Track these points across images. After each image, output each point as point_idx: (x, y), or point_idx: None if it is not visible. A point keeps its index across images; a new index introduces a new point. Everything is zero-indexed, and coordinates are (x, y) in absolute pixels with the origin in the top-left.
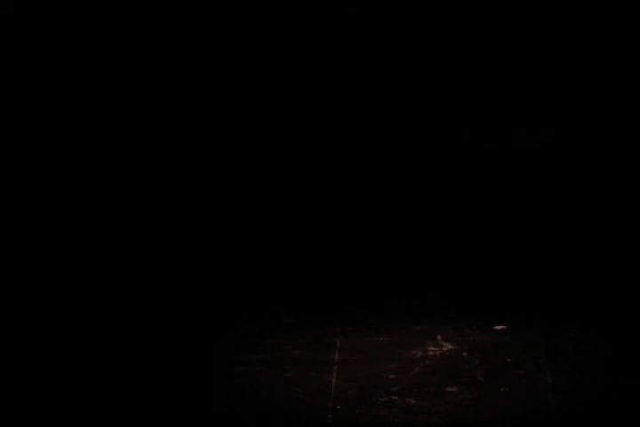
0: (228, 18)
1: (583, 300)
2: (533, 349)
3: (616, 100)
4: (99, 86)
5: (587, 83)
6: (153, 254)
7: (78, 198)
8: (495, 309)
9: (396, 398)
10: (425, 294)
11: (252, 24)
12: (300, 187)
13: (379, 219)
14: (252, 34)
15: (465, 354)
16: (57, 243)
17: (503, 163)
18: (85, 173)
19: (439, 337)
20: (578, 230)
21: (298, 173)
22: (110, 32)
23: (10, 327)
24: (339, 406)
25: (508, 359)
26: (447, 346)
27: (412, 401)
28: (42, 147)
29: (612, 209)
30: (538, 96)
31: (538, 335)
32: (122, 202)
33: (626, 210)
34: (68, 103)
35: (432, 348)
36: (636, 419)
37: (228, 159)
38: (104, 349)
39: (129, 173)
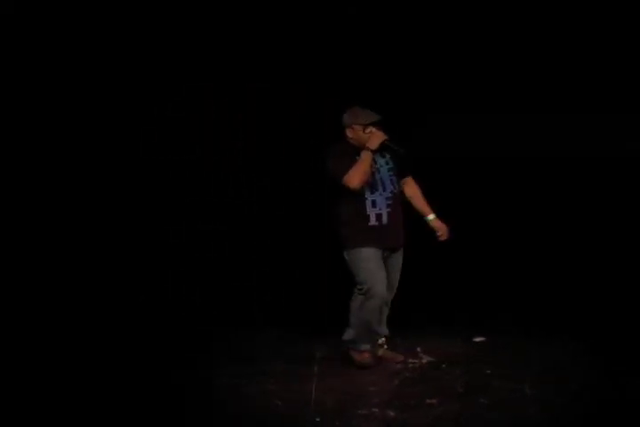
0: (228, 17)
1: (564, 312)
2: (513, 360)
3: None
4: (98, 83)
5: None
6: (132, 268)
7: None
8: (474, 322)
9: (376, 410)
10: (405, 307)
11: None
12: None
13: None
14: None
15: (445, 366)
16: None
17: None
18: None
19: (419, 349)
20: (561, 239)
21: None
22: (109, 31)
23: None
24: (318, 419)
25: (488, 371)
26: (427, 358)
27: (392, 413)
28: (35, 139)
29: (592, 218)
30: None
31: (517, 347)
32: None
33: (609, 219)
34: (66, 99)
35: (412, 360)
36: None
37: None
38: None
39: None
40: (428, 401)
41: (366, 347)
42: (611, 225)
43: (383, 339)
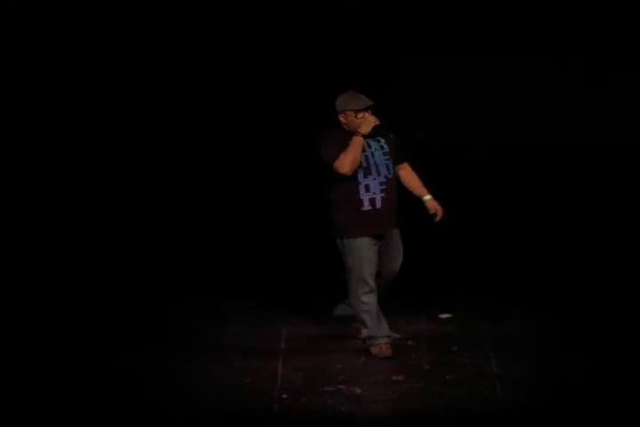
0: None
1: (526, 288)
2: (479, 337)
3: None
4: (97, 80)
5: None
6: (102, 247)
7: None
8: (440, 298)
9: (343, 387)
10: None
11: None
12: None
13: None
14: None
15: (411, 343)
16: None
17: None
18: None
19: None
20: (519, 221)
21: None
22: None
23: None
24: (285, 395)
25: (454, 348)
26: (393, 335)
27: (358, 390)
28: (34, 133)
29: (548, 198)
30: None
31: (483, 324)
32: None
33: (560, 200)
34: (65, 95)
35: None
36: (583, 404)
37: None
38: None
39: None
40: (394, 378)
41: (382, 340)
42: (590, 207)
43: None
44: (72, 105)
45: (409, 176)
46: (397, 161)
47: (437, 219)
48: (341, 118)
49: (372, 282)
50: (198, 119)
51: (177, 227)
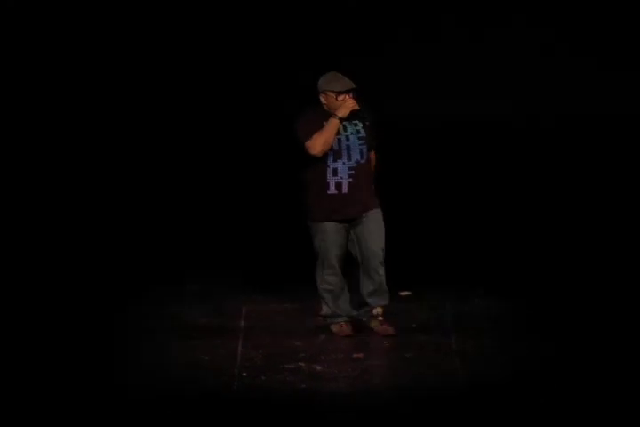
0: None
1: (490, 267)
2: (439, 314)
3: None
4: (97, 80)
5: None
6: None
7: None
8: (400, 275)
9: (303, 364)
10: None
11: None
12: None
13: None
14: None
15: (356, 312)
16: None
17: None
18: None
19: None
20: (480, 203)
21: None
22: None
23: None
24: (245, 373)
25: (414, 325)
26: (353, 313)
27: (319, 368)
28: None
29: (506, 180)
30: None
31: (444, 301)
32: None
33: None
34: (65, 95)
35: None
36: (541, 382)
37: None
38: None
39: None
40: (354, 355)
41: (341, 319)
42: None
43: (378, 310)
44: (72, 105)
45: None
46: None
47: None
48: (322, 98)
49: (336, 264)
50: (184, 105)
51: (139, 207)
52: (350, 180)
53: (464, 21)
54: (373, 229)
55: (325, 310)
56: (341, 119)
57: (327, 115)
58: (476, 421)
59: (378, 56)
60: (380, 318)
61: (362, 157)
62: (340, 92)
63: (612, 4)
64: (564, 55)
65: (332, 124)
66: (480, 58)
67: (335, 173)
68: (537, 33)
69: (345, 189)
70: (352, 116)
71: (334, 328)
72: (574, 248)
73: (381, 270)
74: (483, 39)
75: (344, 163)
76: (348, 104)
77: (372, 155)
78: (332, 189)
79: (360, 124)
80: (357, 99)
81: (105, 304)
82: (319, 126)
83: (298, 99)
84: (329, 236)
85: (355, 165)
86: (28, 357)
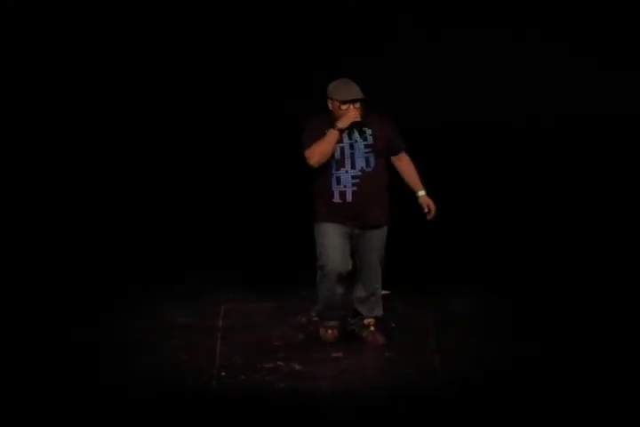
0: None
1: (474, 266)
2: (419, 314)
3: None
4: (97, 79)
5: None
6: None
7: None
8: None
9: (282, 364)
10: (310, 261)
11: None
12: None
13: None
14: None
15: (350, 320)
16: None
17: None
18: None
19: None
20: (479, 202)
21: None
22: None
23: None
24: (224, 373)
25: (393, 324)
26: (370, 322)
27: (298, 367)
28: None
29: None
30: None
31: (423, 300)
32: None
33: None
34: (65, 95)
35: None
36: (521, 382)
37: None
38: None
39: None
40: (333, 355)
41: (330, 323)
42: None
43: (370, 320)
44: (72, 105)
45: (404, 168)
46: (393, 151)
47: (429, 217)
48: (329, 104)
49: (334, 268)
50: (187, 108)
51: (127, 208)
52: (354, 188)
53: (464, 22)
54: (375, 243)
55: (317, 308)
56: (341, 130)
57: (332, 121)
58: (456, 420)
59: (378, 56)
60: (372, 329)
61: (367, 165)
62: (343, 102)
63: (611, 4)
64: (564, 55)
65: (331, 136)
66: (480, 58)
67: (338, 181)
68: (537, 33)
69: (349, 198)
70: (353, 126)
71: (321, 331)
72: (572, 248)
73: (377, 282)
74: (483, 39)
75: (347, 171)
76: (349, 115)
77: (404, 156)
78: (337, 198)
79: (369, 131)
80: (364, 109)
81: (85, 304)
82: (323, 134)
83: (298, 99)
84: (330, 238)
85: (359, 173)
86: (11, 357)
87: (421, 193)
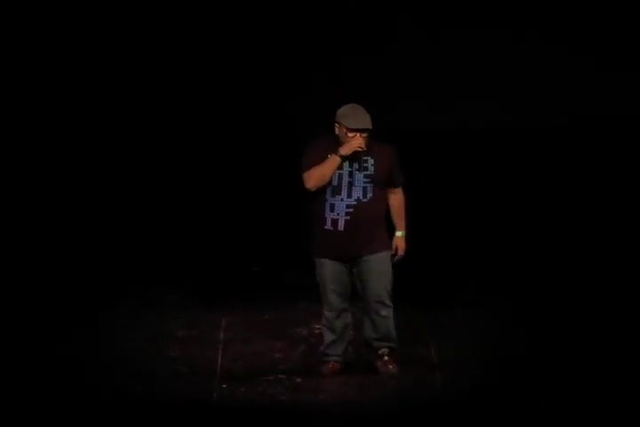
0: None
1: (473, 274)
2: (418, 327)
3: None
4: (97, 79)
5: None
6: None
7: None
8: None
9: (283, 376)
10: (309, 273)
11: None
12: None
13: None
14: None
15: (350, 332)
16: None
17: None
18: None
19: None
20: (479, 203)
21: None
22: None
23: None
24: (225, 385)
25: None
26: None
27: (299, 380)
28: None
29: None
30: None
31: (422, 313)
32: None
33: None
34: (65, 95)
35: (317, 326)
36: (522, 394)
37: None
38: None
39: None
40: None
41: (331, 358)
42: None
43: (384, 350)
44: (72, 105)
45: (395, 204)
46: (390, 184)
47: (395, 258)
48: (335, 128)
49: (334, 301)
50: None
51: (122, 216)
52: (348, 218)
53: (464, 22)
54: (374, 269)
55: (323, 345)
56: (343, 157)
57: (335, 144)
58: None
59: (378, 56)
60: (386, 358)
61: (364, 196)
62: (351, 130)
63: (611, 4)
64: (564, 55)
65: (332, 161)
66: (480, 58)
67: (332, 208)
68: (537, 33)
69: (341, 227)
70: (356, 155)
71: (322, 367)
72: (572, 248)
73: (384, 311)
74: (483, 39)
75: (342, 199)
76: (353, 143)
77: (398, 191)
78: (329, 225)
79: (370, 161)
80: (369, 139)
81: (86, 315)
82: (323, 158)
83: (298, 99)
84: (326, 271)
85: (354, 202)
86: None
87: (399, 234)
